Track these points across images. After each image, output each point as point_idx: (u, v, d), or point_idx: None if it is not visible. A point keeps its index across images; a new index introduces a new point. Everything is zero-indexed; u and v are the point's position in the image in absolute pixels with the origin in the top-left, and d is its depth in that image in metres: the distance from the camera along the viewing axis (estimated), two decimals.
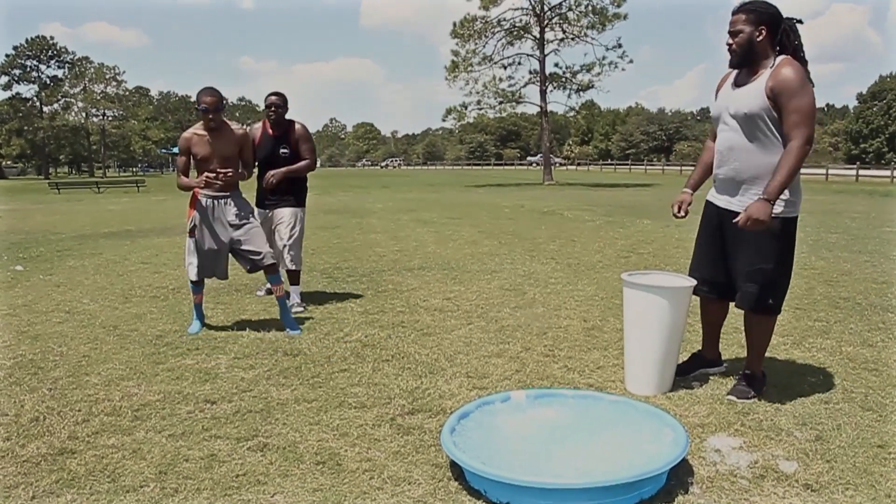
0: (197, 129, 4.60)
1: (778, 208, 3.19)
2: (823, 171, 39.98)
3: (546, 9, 34.45)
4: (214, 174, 4.47)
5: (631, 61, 34.12)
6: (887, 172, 36.52)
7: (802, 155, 3.09)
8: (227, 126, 4.64)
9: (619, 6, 33.06)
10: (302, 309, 5.24)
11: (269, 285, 5.88)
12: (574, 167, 71.18)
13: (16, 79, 75.40)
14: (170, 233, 11.34)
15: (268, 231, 5.35)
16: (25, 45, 75.34)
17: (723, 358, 3.89)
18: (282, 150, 5.39)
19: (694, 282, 3.52)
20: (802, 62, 3.21)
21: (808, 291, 5.90)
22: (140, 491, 2.51)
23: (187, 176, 4.71)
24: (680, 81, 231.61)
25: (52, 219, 15.45)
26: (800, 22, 3.28)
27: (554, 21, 34.83)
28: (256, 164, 5.25)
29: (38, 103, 76.83)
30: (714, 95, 3.53)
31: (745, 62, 3.26)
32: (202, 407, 3.34)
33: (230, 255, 4.73)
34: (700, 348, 3.85)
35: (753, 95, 3.18)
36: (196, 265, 4.67)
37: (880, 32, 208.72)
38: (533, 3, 34.40)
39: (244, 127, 4.88)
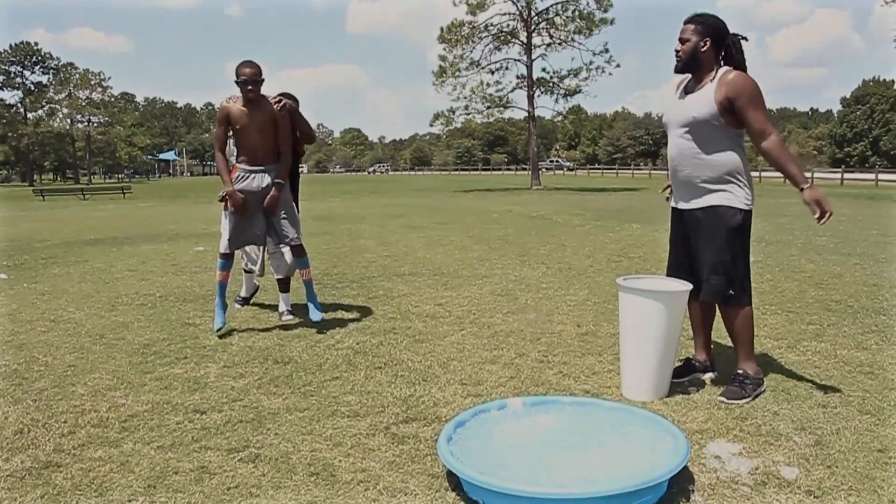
0: (235, 100, 4.63)
1: (739, 202, 3.39)
2: (809, 174, 40.31)
3: (533, 14, 34.57)
4: (242, 203, 4.64)
5: (618, 66, 34.32)
6: (871, 176, 36.86)
7: (780, 144, 3.34)
8: (265, 100, 4.66)
9: (605, 11, 33.23)
10: (291, 317, 5.18)
11: (243, 293, 5.82)
12: (561, 172, 71.21)
13: (0, 85, 74.82)
14: (157, 239, 11.23)
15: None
16: (9, 51, 74.79)
17: (716, 372, 3.86)
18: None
19: (690, 286, 3.50)
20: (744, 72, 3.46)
21: (800, 294, 5.89)
22: None
23: (224, 146, 4.74)
24: (667, 86, 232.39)
25: (37, 226, 15.28)
26: (745, 39, 3.53)
27: (541, 26, 34.94)
28: None
29: (22, 109, 76.23)
30: (667, 103, 3.74)
31: (688, 69, 3.50)
32: (192, 417, 3.27)
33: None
34: (693, 352, 3.85)
35: (702, 102, 3.38)
36: (228, 238, 4.77)
37: (863, 37, 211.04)
38: (520, 8, 34.51)
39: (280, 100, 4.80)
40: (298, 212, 5.11)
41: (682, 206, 3.60)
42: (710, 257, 3.45)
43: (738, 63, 3.45)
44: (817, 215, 3.24)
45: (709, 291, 3.49)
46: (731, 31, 3.49)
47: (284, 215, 4.77)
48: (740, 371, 3.50)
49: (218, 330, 4.76)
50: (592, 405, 3.12)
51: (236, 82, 4.55)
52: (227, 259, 4.82)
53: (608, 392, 3.55)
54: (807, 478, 2.59)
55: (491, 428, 2.83)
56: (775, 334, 4.60)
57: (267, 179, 4.71)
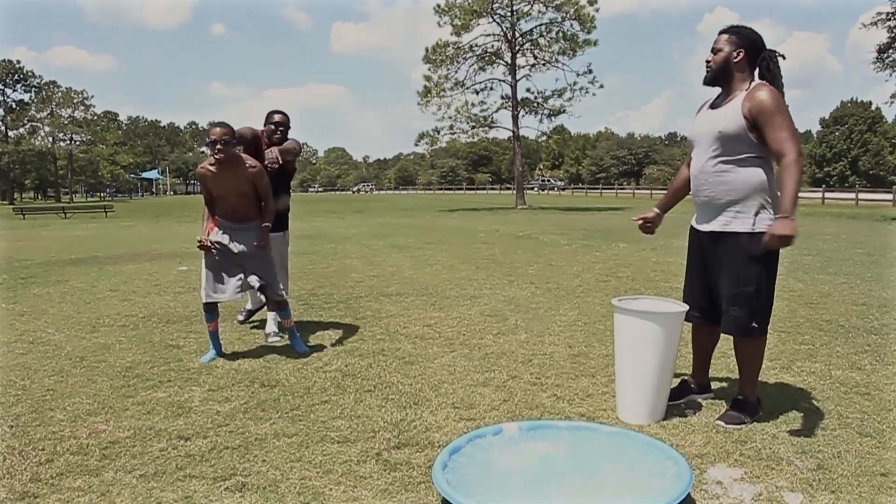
0: (208, 163, 4.47)
1: (764, 226, 3.18)
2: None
3: (517, 35, 34.84)
4: (209, 245, 4.50)
5: (601, 86, 34.59)
6: (852, 195, 37.26)
7: (799, 168, 3.10)
8: (241, 160, 4.45)
9: (589, 32, 33.53)
10: (278, 339, 5.07)
11: (249, 306, 5.79)
12: (545, 192, 71.47)
13: None
14: (139, 259, 11.06)
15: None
16: None
17: (713, 384, 3.81)
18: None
19: (686, 306, 3.44)
20: (780, 91, 3.25)
21: (791, 314, 5.86)
22: None
23: (213, 204, 4.62)
24: (648, 107, 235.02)
25: (17, 245, 15.03)
26: (782, 56, 3.34)
27: (525, 47, 35.22)
28: None
29: (3, 127, 75.53)
30: (693, 120, 3.55)
31: (718, 80, 3.34)
32: (175, 444, 3.15)
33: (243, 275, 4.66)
34: (689, 374, 3.78)
35: (730, 116, 3.21)
36: (207, 288, 4.58)
37: (840, 59, 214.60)
38: (504, 29, 34.78)
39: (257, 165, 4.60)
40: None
41: (703, 227, 3.40)
42: (732, 287, 3.27)
43: (774, 78, 3.26)
44: (767, 240, 3.07)
45: (729, 324, 3.32)
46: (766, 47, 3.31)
47: (264, 273, 4.60)
48: (740, 396, 3.42)
49: (206, 362, 4.55)
50: (590, 430, 3.04)
51: (206, 144, 4.39)
52: (211, 310, 4.64)
53: (604, 415, 3.47)
54: (811, 503, 2.52)
55: (487, 454, 2.75)
56: (769, 355, 4.53)
57: (247, 239, 4.56)
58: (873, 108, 71.44)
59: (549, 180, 77.20)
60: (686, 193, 3.65)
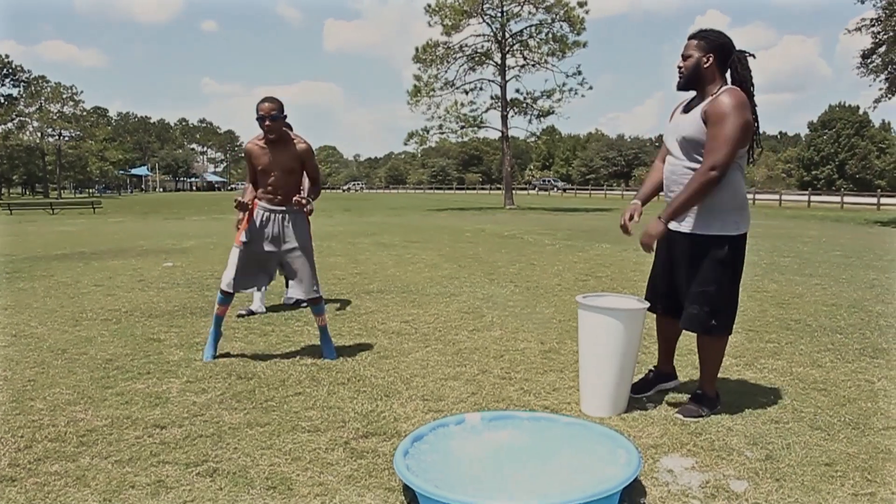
0: (258, 139, 4.44)
1: (728, 229, 3.30)
2: (777, 196, 41.07)
3: (507, 36, 34.96)
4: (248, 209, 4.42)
5: (591, 88, 34.74)
6: (837, 199, 37.65)
7: (706, 181, 3.21)
8: (289, 137, 4.44)
9: (578, 34, 33.72)
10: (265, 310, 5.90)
11: (251, 306, 5.93)
12: (535, 192, 71.64)
13: None
14: (125, 255, 11.12)
15: None
16: None
17: (679, 379, 3.94)
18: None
19: (647, 304, 3.57)
20: (749, 94, 3.33)
21: (761, 314, 6.01)
22: None
23: (255, 184, 4.56)
24: (639, 108, 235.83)
25: (3, 240, 15.04)
26: (752, 56, 3.41)
27: (515, 48, 35.34)
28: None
29: None
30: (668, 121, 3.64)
31: (690, 85, 3.42)
32: (151, 432, 3.25)
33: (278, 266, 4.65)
34: (655, 365, 3.91)
35: (693, 122, 3.31)
36: (233, 277, 4.49)
37: (830, 63, 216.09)
38: (494, 30, 34.90)
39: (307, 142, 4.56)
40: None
41: (671, 226, 3.44)
42: (694, 286, 3.37)
43: (743, 80, 3.34)
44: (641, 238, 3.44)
45: (688, 321, 3.43)
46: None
47: (301, 269, 4.52)
48: (699, 391, 3.55)
49: (209, 360, 4.50)
50: (550, 421, 3.16)
51: (256, 119, 4.31)
52: (228, 296, 4.56)
53: (567, 408, 3.60)
54: (755, 491, 2.65)
55: (448, 442, 2.86)
56: (734, 352, 4.68)
57: (288, 226, 4.48)
58: (861, 112, 72.00)
59: (548, 181, 76.78)
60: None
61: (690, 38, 3.40)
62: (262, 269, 4.58)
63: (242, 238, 4.48)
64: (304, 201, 4.33)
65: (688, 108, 3.43)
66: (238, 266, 4.50)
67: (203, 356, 4.55)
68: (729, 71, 3.37)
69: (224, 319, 4.72)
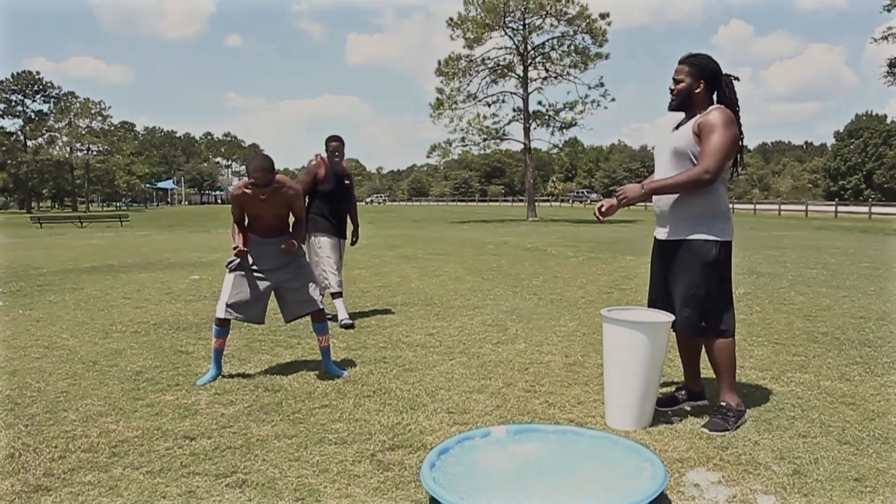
0: (245, 186, 4.35)
1: (714, 234, 3.47)
2: (803, 207, 40.61)
3: (529, 48, 35.07)
4: (244, 253, 4.44)
5: (613, 100, 34.74)
6: (865, 209, 37.13)
7: (697, 178, 3.38)
8: (279, 183, 4.37)
9: (601, 46, 33.74)
10: (351, 322, 6.08)
11: (341, 315, 6.15)
12: (558, 203, 71.44)
13: (0, 113, 75.29)
14: (152, 268, 11.29)
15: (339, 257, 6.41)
16: (11, 80, 75.34)
17: (707, 401, 3.92)
18: (346, 181, 6.40)
19: (672, 317, 3.58)
20: (735, 114, 3.53)
21: (788, 326, 5.96)
22: None
23: (243, 224, 4.54)
24: (662, 119, 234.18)
25: (34, 253, 15.33)
26: (736, 79, 3.61)
27: (537, 60, 35.44)
28: (328, 195, 6.22)
29: (22, 137, 76.58)
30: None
31: (682, 108, 3.60)
32: (181, 443, 3.31)
33: (274, 296, 4.58)
34: (683, 381, 3.91)
35: (684, 134, 3.51)
36: (227, 303, 4.41)
37: (856, 72, 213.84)
38: (516, 42, 35.03)
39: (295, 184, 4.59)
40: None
41: (660, 236, 3.66)
42: (683, 290, 3.52)
43: (730, 102, 3.53)
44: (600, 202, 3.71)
45: (680, 324, 3.56)
46: (724, 69, 3.57)
47: (293, 279, 4.52)
48: (723, 403, 3.55)
49: (203, 385, 4.32)
50: (575, 434, 3.17)
51: (249, 182, 4.28)
52: (224, 326, 4.47)
53: (592, 421, 3.60)
54: None
55: (474, 455, 2.88)
56: (761, 365, 4.66)
57: (276, 251, 4.49)
58: (889, 121, 71.11)
59: (582, 192, 77.21)
60: None
61: (681, 62, 3.58)
62: (256, 300, 4.46)
63: (232, 263, 4.46)
64: (293, 249, 4.39)
65: (677, 127, 3.62)
66: (232, 293, 4.44)
67: (199, 381, 4.37)
68: (716, 94, 3.57)
69: (223, 354, 4.56)
